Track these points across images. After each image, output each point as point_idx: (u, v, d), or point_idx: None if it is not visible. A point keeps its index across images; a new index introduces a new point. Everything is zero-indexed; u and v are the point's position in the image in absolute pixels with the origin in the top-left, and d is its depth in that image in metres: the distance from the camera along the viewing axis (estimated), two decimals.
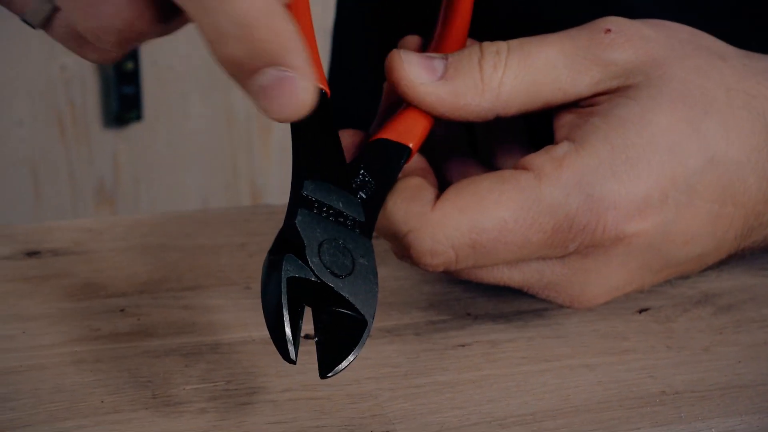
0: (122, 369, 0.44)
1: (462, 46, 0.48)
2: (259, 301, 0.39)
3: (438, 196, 0.44)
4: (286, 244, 0.39)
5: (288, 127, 0.40)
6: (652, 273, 0.46)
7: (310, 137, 0.38)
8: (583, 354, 0.47)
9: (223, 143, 1.93)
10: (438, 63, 0.45)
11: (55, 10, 0.39)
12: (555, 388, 0.44)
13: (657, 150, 0.43)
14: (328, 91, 0.41)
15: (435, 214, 0.43)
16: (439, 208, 0.43)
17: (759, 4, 0.58)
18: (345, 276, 0.39)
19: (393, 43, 0.49)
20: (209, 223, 0.59)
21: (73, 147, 1.85)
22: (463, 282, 0.52)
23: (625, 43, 0.45)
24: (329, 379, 0.39)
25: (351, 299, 0.39)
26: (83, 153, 1.86)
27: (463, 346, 0.47)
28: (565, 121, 0.45)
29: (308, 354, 0.42)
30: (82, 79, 1.82)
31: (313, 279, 0.39)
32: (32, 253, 0.55)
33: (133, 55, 1.81)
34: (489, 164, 0.50)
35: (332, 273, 0.39)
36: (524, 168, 0.44)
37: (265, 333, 0.38)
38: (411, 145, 0.44)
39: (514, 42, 0.45)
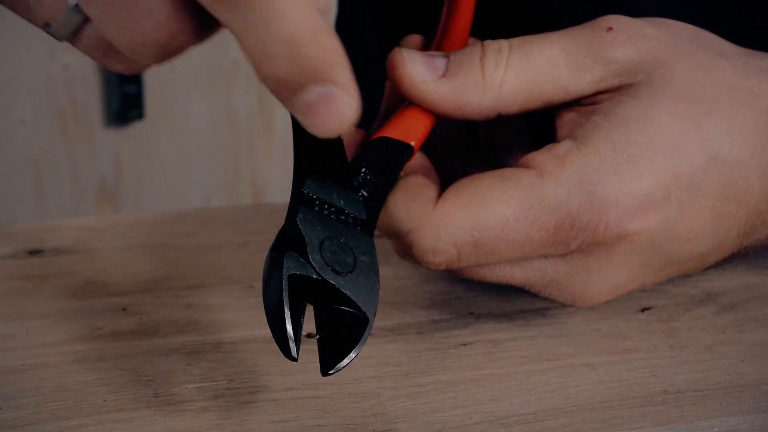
0: (124, 368, 0.44)
1: (464, 44, 0.48)
2: (261, 299, 0.39)
3: (440, 195, 0.44)
4: (288, 241, 0.39)
5: (289, 125, 0.40)
6: (654, 271, 0.46)
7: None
8: (585, 353, 0.47)
9: (225, 142, 1.93)
10: (440, 61, 0.45)
11: (85, 21, 0.38)
12: (557, 387, 0.44)
13: (659, 148, 0.43)
14: None
15: (437, 213, 0.43)
16: (441, 207, 0.43)
17: (759, 3, 0.58)
18: (346, 273, 0.39)
19: (395, 42, 0.49)
20: (211, 222, 0.59)
21: (75, 146, 1.86)
22: (465, 281, 0.52)
23: (626, 41, 0.45)
24: (331, 377, 0.39)
25: (352, 296, 0.39)
26: (85, 152, 1.86)
27: (465, 345, 0.47)
28: (566, 119, 0.45)
29: (310, 353, 0.42)
30: (84, 78, 1.82)
31: (314, 276, 0.39)
32: (34, 252, 0.55)
33: None
34: (491, 162, 0.50)
35: (334, 270, 0.39)
36: (526, 166, 0.44)
37: (267, 332, 0.38)
38: (413, 144, 0.44)
39: (515, 40, 0.45)
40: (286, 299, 0.37)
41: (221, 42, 0.43)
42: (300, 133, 0.40)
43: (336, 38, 0.33)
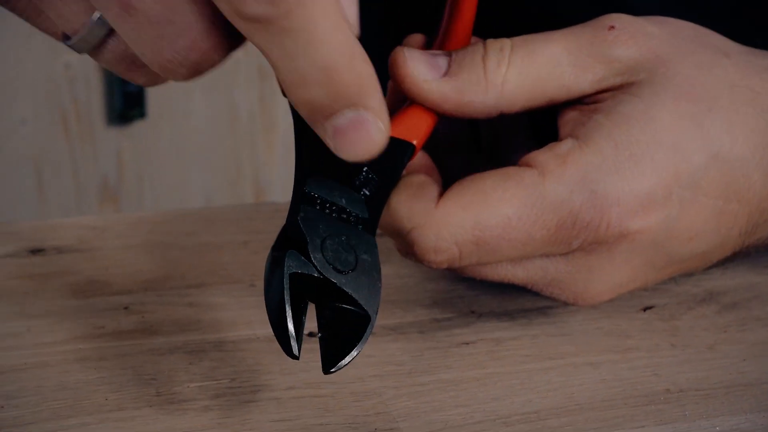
0: (126, 366, 0.44)
1: (466, 44, 0.48)
2: (263, 298, 0.39)
3: (442, 194, 0.44)
4: (289, 240, 0.39)
5: (291, 125, 0.40)
6: (656, 270, 0.46)
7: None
8: (587, 352, 0.47)
9: (227, 141, 1.93)
10: (442, 60, 0.45)
11: (108, 34, 0.36)
12: (559, 386, 0.44)
13: (661, 147, 0.43)
14: None
15: (439, 211, 0.43)
16: (443, 205, 0.43)
17: (759, 3, 0.58)
18: (348, 272, 0.39)
19: (397, 41, 0.49)
20: (213, 221, 0.59)
21: (77, 145, 1.86)
22: (467, 279, 0.52)
23: (628, 40, 0.45)
24: (333, 376, 0.39)
25: (354, 295, 0.39)
26: (87, 151, 1.86)
27: (467, 344, 0.47)
28: (568, 118, 0.45)
29: (312, 352, 0.42)
30: (86, 77, 1.82)
31: (315, 275, 0.39)
32: (36, 251, 0.55)
33: None
34: (493, 161, 0.50)
35: (335, 269, 0.39)
36: (528, 165, 0.43)
37: (269, 330, 0.38)
38: (415, 143, 0.44)
39: (517, 39, 0.45)
40: (287, 297, 0.37)
41: None
42: (302, 131, 0.40)
43: (369, 63, 0.33)
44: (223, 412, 0.41)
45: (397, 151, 0.44)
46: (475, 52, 0.45)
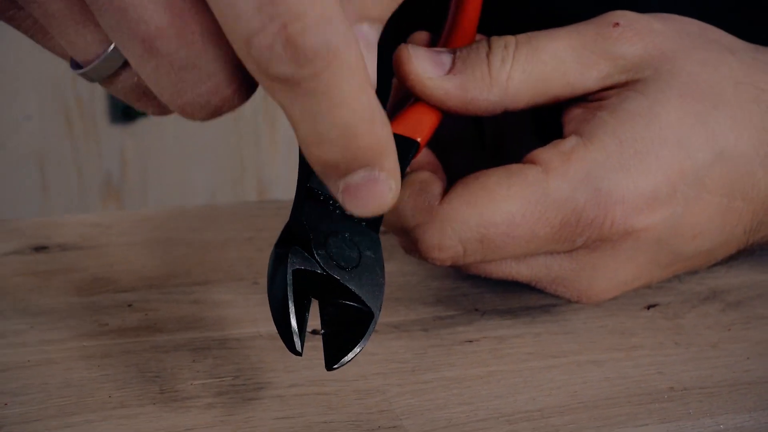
0: (130, 364, 0.44)
1: (471, 41, 0.48)
2: (267, 295, 0.39)
3: (446, 191, 0.44)
4: (293, 237, 0.39)
5: None
6: (661, 268, 0.46)
7: None
8: (590, 350, 0.47)
9: (230, 138, 1.93)
10: (446, 57, 0.45)
11: (124, 66, 0.35)
12: (562, 384, 0.44)
13: (665, 144, 0.43)
14: None
15: (443, 209, 0.43)
16: (447, 203, 0.43)
17: (760, 2, 0.58)
18: (351, 268, 0.39)
19: (401, 39, 0.49)
20: (216, 218, 0.59)
21: (80, 142, 1.86)
22: (471, 277, 0.52)
23: (633, 36, 0.45)
24: (336, 374, 0.39)
25: (357, 291, 0.39)
26: (91, 148, 1.87)
27: (470, 341, 0.47)
28: (573, 115, 0.45)
29: (315, 349, 0.42)
30: None
31: (319, 271, 0.39)
32: (40, 248, 0.55)
33: None
34: (497, 158, 0.50)
35: (338, 265, 0.39)
36: (532, 162, 0.43)
37: (273, 328, 0.38)
38: (419, 140, 0.44)
39: (522, 36, 0.45)
40: (290, 294, 0.37)
41: None
42: None
43: (388, 124, 0.32)
44: (226, 410, 0.41)
45: (401, 149, 0.44)
46: (479, 49, 0.45)
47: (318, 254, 0.39)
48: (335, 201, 0.41)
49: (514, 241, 0.43)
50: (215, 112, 0.34)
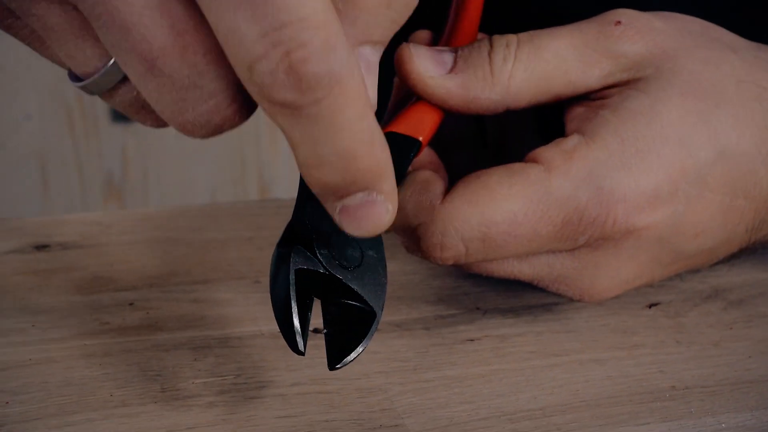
0: (131, 363, 0.44)
1: (472, 40, 0.48)
2: (268, 295, 0.39)
3: (447, 190, 0.44)
4: (295, 236, 0.39)
5: None
6: (663, 266, 0.46)
7: None
8: (592, 349, 0.47)
9: (231, 137, 1.93)
10: (447, 56, 0.45)
11: (123, 80, 0.35)
12: (564, 383, 0.44)
13: (667, 142, 0.43)
14: None
15: (445, 208, 0.43)
16: (449, 202, 0.43)
17: (761, 1, 0.58)
18: (354, 268, 0.39)
19: (403, 37, 0.49)
20: (218, 217, 0.59)
21: (81, 141, 1.86)
22: (473, 276, 0.52)
23: (635, 35, 0.45)
24: (338, 372, 0.39)
25: (360, 291, 0.39)
26: (92, 147, 1.87)
27: (472, 340, 0.47)
28: (575, 113, 0.45)
29: (317, 348, 0.42)
30: None
31: (321, 271, 0.39)
32: (41, 247, 0.55)
33: None
34: (499, 157, 0.50)
35: (341, 265, 0.39)
36: (534, 161, 0.43)
37: (275, 327, 0.38)
38: (421, 139, 0.44)
39: (523, 35, 0.45)
40: (293, 293, 0.37)
41: None
42: None
43: (387, 147, 0.33)
44: (227, 409, 0.41)
45: (403, 148, 0.44)
46: (481, 48, 0.45)
47: (320, 253, 0.39)
48: None
49: (516, 240, 0.43)
50: (215, 131, 0.34)
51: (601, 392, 0.44)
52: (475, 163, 0.48)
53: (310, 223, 0.39)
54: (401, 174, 0.44)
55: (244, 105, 0.33)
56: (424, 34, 0.49)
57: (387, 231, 0.37)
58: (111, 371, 0.44)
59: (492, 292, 0.51)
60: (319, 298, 0.40)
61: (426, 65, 0.44)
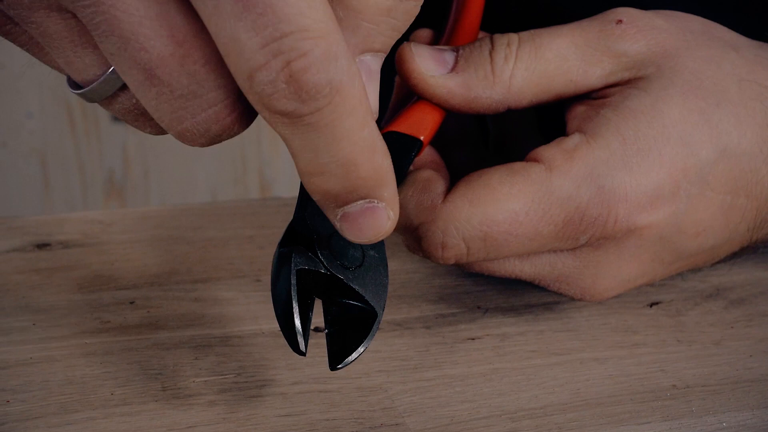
0: (132, 361, 0.44)
1: (473, 39, 0.48)
2: (269, 293, 0.39)
3: (449, 189, 0.44)
4: (296, 236, 0.39)
5: None
6: (664, 265, 0.46)
7: None
8: (593, 347, 0.47)
9: None
10: (448, 55, 0.45)
11: (122, 88, 0.35)
12: (565, 382, 0.44)
13: (668, 141, 0.43)
14: None
15: (446, 207, 0.43)
16: (450, 201, 0.43)
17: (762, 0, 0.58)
18: (355, 268, 0.39)
19: (404, 37, 0.49)
20: (219, 216, 0.59)
21: (82, 139, 1.86)
22: (474, 275, 0.52)
23: (636, 34, 0.45)
24: (339, 371, 0.39)
25: (361, 291, 0.39)
26: (93, 145, 1.87)
27: (473, 339, 0.47)
28: (576, 112, 0.45)
29: (318, 347, 0.42)
30: None
31: (322, 271, 0.39)
32: (42, 245, 0.55)
33: None
34: (500, 156, 0.50)
35: (342, 265, 0.39)
36: (535, 160, 0.43)
37: (275, 325, 0.38)
38: (422, 138, 0.44)
39: (525, 34, 0.45)
40: (294, 294, 0.37)
41: None
42: None
43: (388, 155, 0.33)
44: (228, 407, 0.41)
45: (404, 147, 0.44)
46: (482, 47, 0.45)
47: (322, 254, 0.39)
48: None
49: (517, 239, 0.43)
50: (214, 139, 0.34)
51: (602, 391, 0.44)
52: (477, 163, 0.48)
53: (312, 223, 0.39)
54: (402, 173, 0.44)
55: (243, 114, 0.33)
56: (425, 33, 0.49)
57: None
58: (112, 370, 0.44)
59: (493, 291, 0.51)
60: (320, 298, 0.40)
61: (427, 64, 0.44)
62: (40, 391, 0.42)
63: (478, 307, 0.50)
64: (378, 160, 0.32)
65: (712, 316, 0.50)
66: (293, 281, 0.38)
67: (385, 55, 0.34)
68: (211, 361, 0.45)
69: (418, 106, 0.45)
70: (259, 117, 0.34)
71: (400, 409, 0.42)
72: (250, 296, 0.50)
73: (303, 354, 0.37)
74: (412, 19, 0.34)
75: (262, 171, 1.98)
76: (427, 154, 0.47)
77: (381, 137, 0.32)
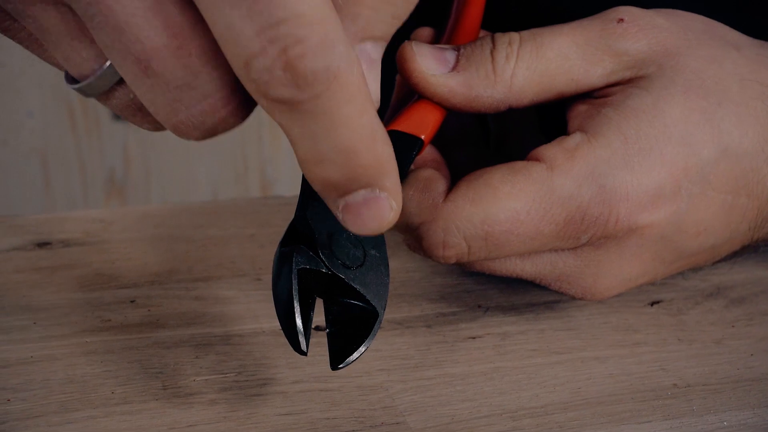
0: (133, 360, 0.44)
1: (475, 38, 0.48)
2: (270, 292, 0.39)
3: (450, 188, 0.44)
4: (298, 235, 0.39)
5: None
6: (665, 264, 0.46)
7: None
8: (594, 346, 0.47)
9: (233, 134, 1.93)
10: (450, 54, 0.45)
11: (119, 82, 0.35)
12: (566, 381, 0.44)
13: (670, 140, 0.43)
14: None
15: (447, 206, 0.43)
16: (451, 200, 0.43)
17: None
18: (356, 267, 0.39)
19: (405, 35, 0.49)
20: (219, 214, 0.59)
21: (83, 138, 1.86)
22: (474, 274, 0.52)
23: (637, 32, 0.45)
24: (340, 370, 0.39)
25: (362, 291, 0.39)
26: (94, 144, 1.87)
27: (473, 338, 0.47)
28: (578, 111, 0.45)
29: (319, 346, 0.42)
30: None
31: (324, 270, 0.39)
32: (43, 244, 0.55)
33: None
34: (501, 155, 0.50)
35: (343, 264, 0.39)
36: (536, 159, 0.43)
37: (276, 324, 0.38)
38: (423, 137, 0.44)
39: (526, 33, 0.45)
40: (295, 294, 0.37)
41: None
42: None
43: (389, 143, 0.32)
44: (229, 406, 0.41)
45: (405, 146, 0.44)
46: (483, 46, 0.45)
47: (323, 253, 0.39)
48: None
49: (518, 238, 0.43)
50: (210, 132, 0.34)
51: (603, 390, 0.44)
52: (478, 162, 0.48)
53: (313, 222, 0.39)
54: (403, 172, 0.44)
55: (239, 107, 0.33)
56: (426, 32, 0.49)
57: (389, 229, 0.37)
58: (112, 368, 0.44)
59: (494, 289, 0.51)
60: (321, 297, 0.40)
61: (428, 63, 0.44)
62: (41, 390, 0.42)
63: (479, 306, 0.50)
64: (378, 148, 0.32)
65: (712, 315, 0.50)
66: (294, 281, 0.38)
67: (386, 44, 0.34)
68: (212, 359, 0.45)
69: (419, 105, 0.45)
70: (259, 114, 0.33)
71: (400, 408, 0.42)
72: (250, 295, 0.50)
73: (304, 354, 0.37)
74: (412, 7, 0.33)
75: (263, 169, 1.98)
76: (428, 153, 0.47)
77: (382, 125, 0.32)
